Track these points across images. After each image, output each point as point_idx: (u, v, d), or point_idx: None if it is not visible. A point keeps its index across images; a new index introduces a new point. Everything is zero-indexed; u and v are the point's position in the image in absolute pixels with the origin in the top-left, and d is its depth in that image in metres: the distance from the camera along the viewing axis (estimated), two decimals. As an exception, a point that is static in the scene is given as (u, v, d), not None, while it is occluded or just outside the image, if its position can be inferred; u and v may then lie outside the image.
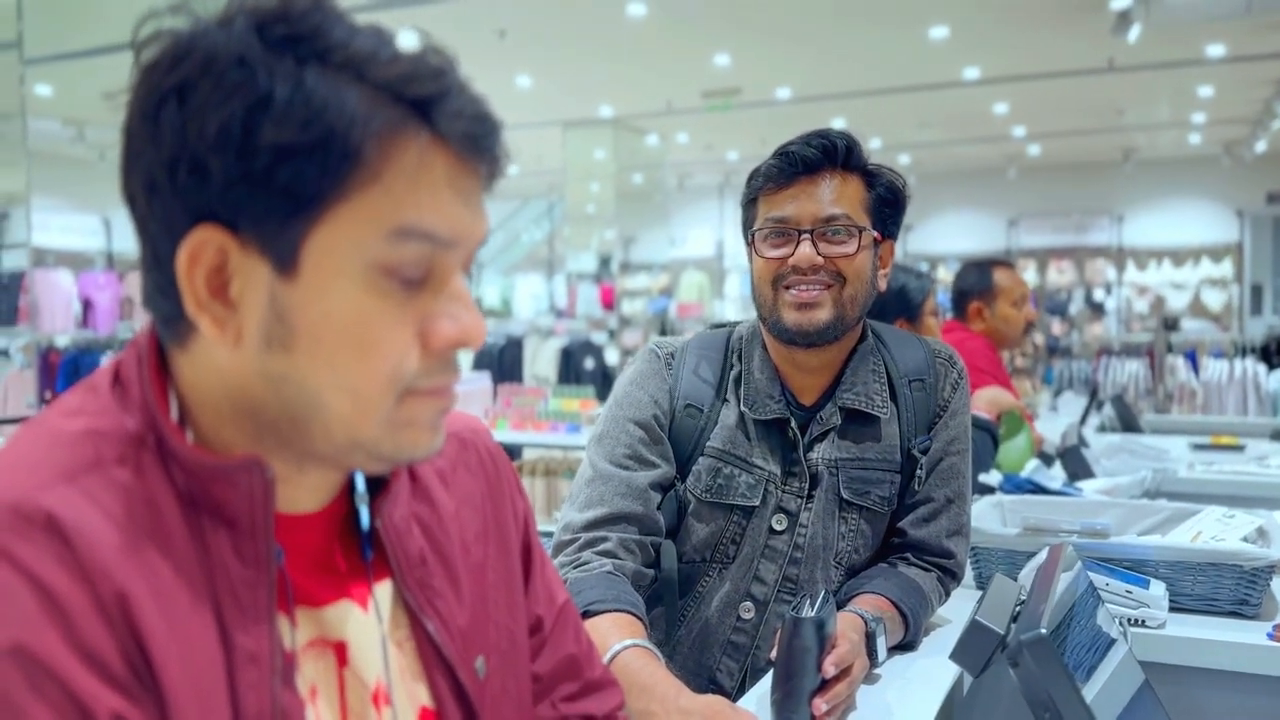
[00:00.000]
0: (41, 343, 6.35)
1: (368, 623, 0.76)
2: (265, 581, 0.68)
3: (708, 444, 1.53)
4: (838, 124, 10.64)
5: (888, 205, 1.52)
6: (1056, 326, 12.38)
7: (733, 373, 1.57)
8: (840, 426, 1.54)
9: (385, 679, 0.76)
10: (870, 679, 1.37)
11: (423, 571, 0.79)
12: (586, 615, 1.29)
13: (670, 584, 1.52)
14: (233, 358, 0.66)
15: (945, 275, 12.13)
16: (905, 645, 1.51)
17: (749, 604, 1.53)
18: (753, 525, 1.53)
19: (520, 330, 9.00)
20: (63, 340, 6.70)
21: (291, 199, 0.62)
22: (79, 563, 0.61)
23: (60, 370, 6.41)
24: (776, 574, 1.53)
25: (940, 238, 13.46)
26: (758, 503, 1.52)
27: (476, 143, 0.67)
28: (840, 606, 1.41)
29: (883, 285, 1.56)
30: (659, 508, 1.50)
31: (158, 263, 0.66)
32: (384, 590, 0.78)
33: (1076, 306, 12.77)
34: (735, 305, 12.64)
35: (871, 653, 1.36)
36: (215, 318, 0.65)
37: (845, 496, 1.53)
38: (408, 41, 0.66)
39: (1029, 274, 12.92)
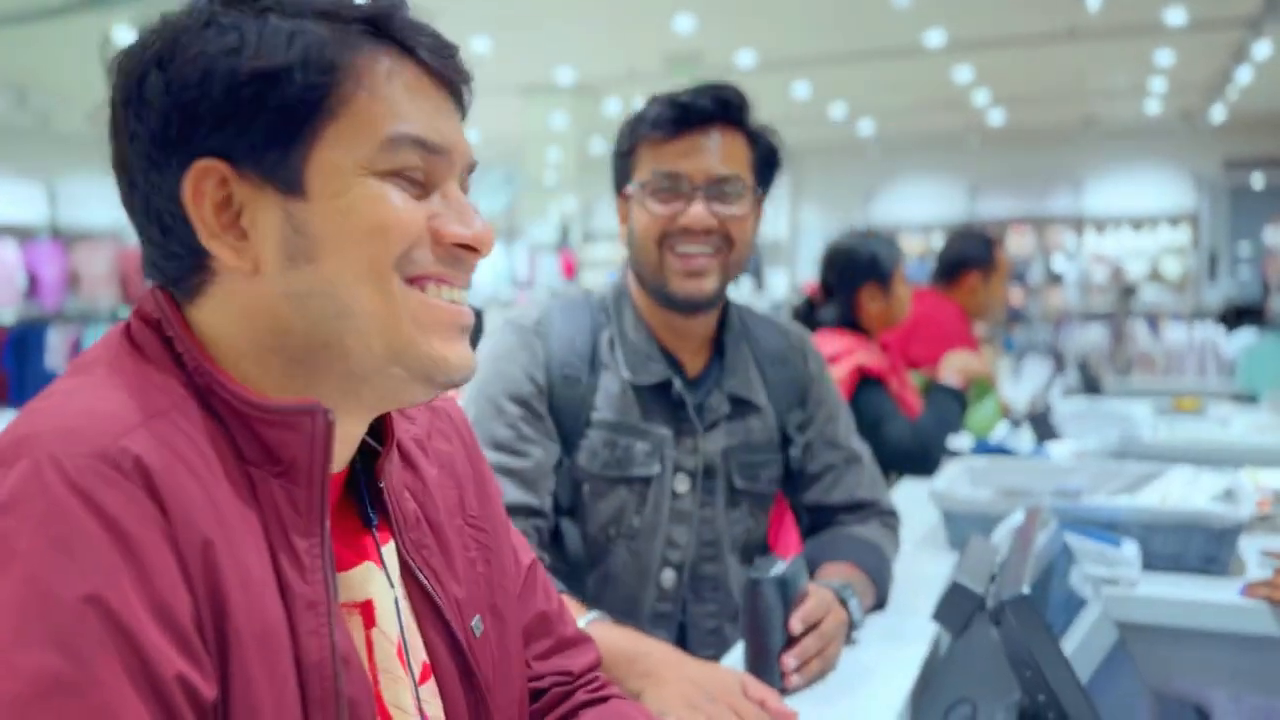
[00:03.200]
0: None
1: (384, 580, 0.78)
2: (319, 530, 0.69)
3: (594, 415, 1.46)
4: (801, 89, 10.63)
5: (769, 166, 1.50)
6: (1016, 294, 12.47)
7: (605, 335, 1.51)
8: (728, 414, 1.52)
9: (403, 636, 0.79)
10: (851, 641, 1.35)
11: (418, 532, 0.81)
12: None
13: (577, 565, 1.47)
14: (253, 287, 0.69)
15: (908, 243, 12.17)
16: (877, 604, 1.49)
17: (669, 571, 1.49)
18: (655, 492, 1.48)
19: (479, 303, 8.90)
20: (8, 315, 6.53)
21: (284, 119, 0.66)
22: (165, 511, 0.61)
23: (7, 346, 6.25)
24: (689, 534, 1.49)
25: (902, 206, 13.48)
26: (657, 470, 1.48)
27: (440, 54, 0.72)
28: None
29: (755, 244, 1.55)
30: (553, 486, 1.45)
31: (164, 232, 0.68)
32: (389, 551, 0.80)
33: (1036, 274, 12.87)
34: (698, 274, 12.60)
35: (849, 620, 1.33)
36: (230, 247, 0.68)
37: (738, 485, 1.52)
38: None
39: (989, 242, 12.94)
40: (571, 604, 1.26)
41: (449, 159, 0.72)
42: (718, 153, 1.42)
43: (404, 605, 0.80)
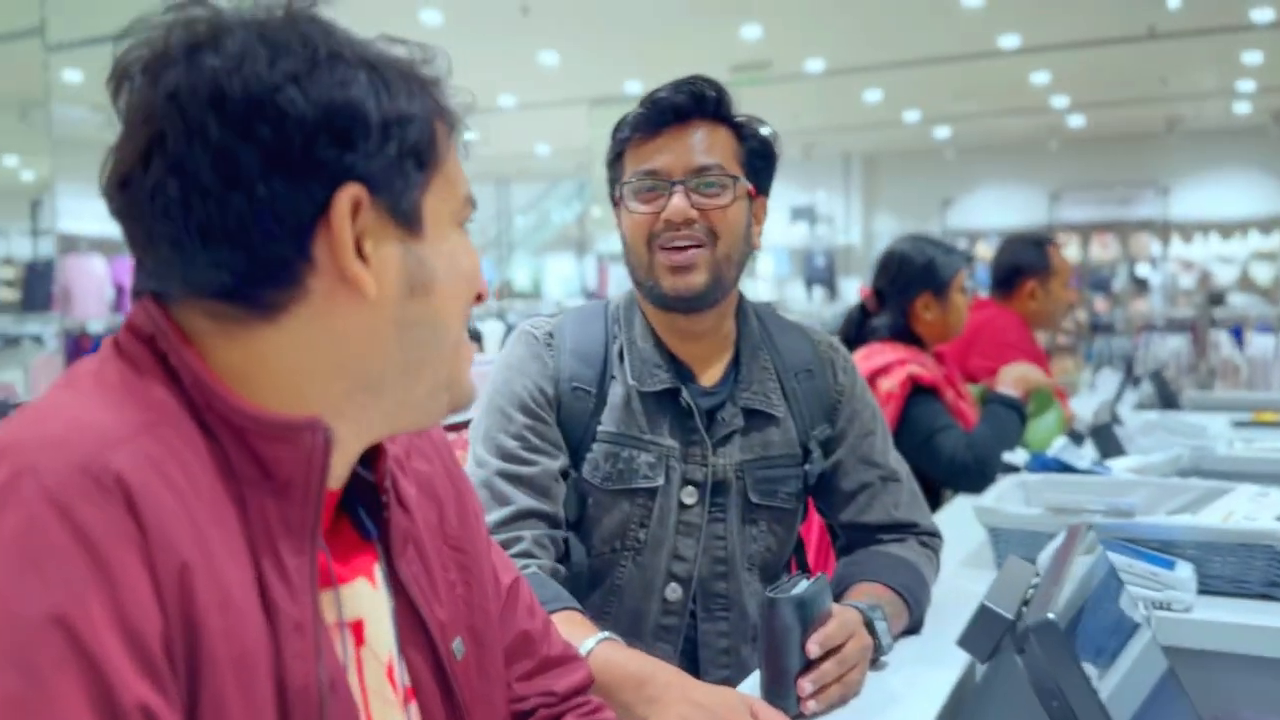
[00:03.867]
0: (72, 328, 6.39)
1: (377, 598, 0.78)
2: (309, 549, 0.69)
3: (599, 428, 1.44)
4: (872, 97, 10.53)
5: (760, 158, 1.46)
6: (1100, 303, 12.14)
7: (615, 345, 1.48)
8: (742, 426, 1.48)
9: (395, 654, 0.78)
10: (878, 665, 1.31)
11: (405, 548, 0.81)
12: None
13: (579, 580, 1.44)
14: (359, 310, 0.70)
15: (985, 251, 11.94)
16: (912, 627, 1.44)
17: (674, 585, 1.46)
18: (660, 505, 1.45)
19: (550, 312, 8.96)
20: (96, 326, 6.74)
21: (417, 161, 0.71)
22: (144, 530, 0.60)
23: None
24: (696, 548, 1.46)
25: (980, 212, 13.25)
26: (661, 481, 1.44)
27: (461, 132, 0.79)
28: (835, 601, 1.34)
29: (758, 243, 1.51)
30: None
31: (267, 240, 0.67)
32: (380, 568, 0.80)
33: (1120, 282, 12.51)
34: (768, 285, 12.53)
35: (875, 645, 1.29)
36: (362, 272, 0.70)
37: (754, 500, 1.48)
38: (404, 50, 0.75)
39: (1071, 249, 12.67)
40: (581, 623, 1.24)
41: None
42: (698, 146, 1.40)
43: (392, 624, 0.79)
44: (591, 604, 1.45)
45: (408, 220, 0.72)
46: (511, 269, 13.43)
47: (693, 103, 1.40)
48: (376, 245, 0.71)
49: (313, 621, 0.68)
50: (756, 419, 1.49)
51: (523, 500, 1.37)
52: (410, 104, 0.71)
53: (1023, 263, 3.26)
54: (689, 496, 1.45)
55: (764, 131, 1.46)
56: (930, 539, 1.55)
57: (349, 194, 0.68)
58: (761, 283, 12.55)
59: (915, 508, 1.56)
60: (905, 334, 2.58)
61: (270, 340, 0.70)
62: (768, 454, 1.49)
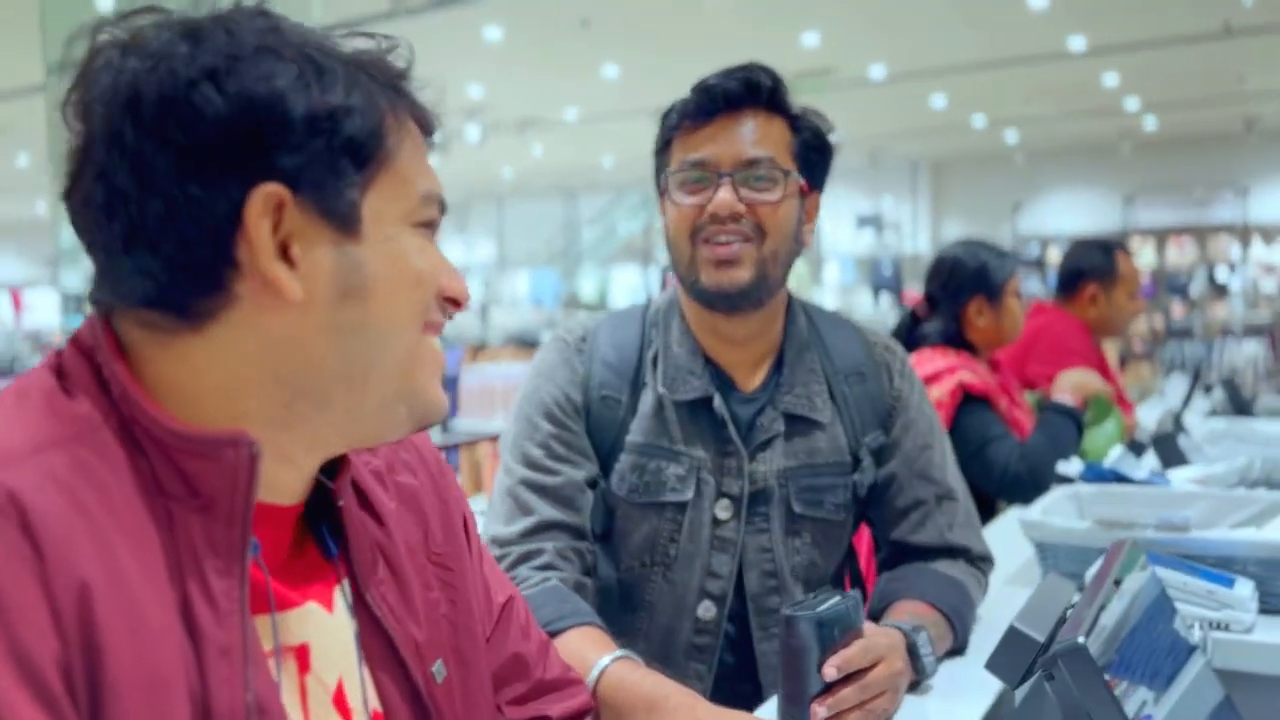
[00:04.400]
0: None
1: (331, 622, 0.75)
2: (238, 570, 0.66)
3: (627, 438, 1.38)
4: (938, 102, 10.37)
5: (814, 152, 1.39)
6: (1176, 308, 11.80)
7: (650, 351, 1.41)
8: (784, 432, 1.41)
9: (346, 680, 0.75)
10: (920, 689, 1.23)
11: (375, 568, 0.78)
12: (549, 635, 1.20)
13: (609, 594, 1.39)
14: (289, 317, 0.67)
15: (1057, 256, 11.68)
16: (954, 651, 1.37)
17: (708, 603, 1.39)
18: (691, 519, 1.38)
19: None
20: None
21: (352, 158, 0.67)
22: (39, 552, 0.58)
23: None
24: (731, 564, 1.39)
25: (1051, 217, 12.98)
26: (691, 495, 1.38)
27: (432, 125, 0.75)
28: (875, 618, 1.28)
29: (808, 241, 1.44)
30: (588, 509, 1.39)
31: (186, 248, 0.65)
32: (343, 589, 0.77)
33: (1198, 287, 12.14)
34: (833, 293, 12.39)
35: (918, 668, 1.21)
36: (286, 273, 0.66)
37: (797, 510, 1.40)
38: (361, 41, 0.72)
39: (1146, 253, 12.34)
40: (599, 639, 1.20)
41: (441, 217, 0.77)
42: (749, 136, 1.33)
43: (353, 647, 0.76)
44: (623, 621, 1.41)
45: (343, 220, 0.68)
46: (578, 280, 13.49)
47: (745, 90, 1.34)
48: (306, 247, 0.67)
49: (241, 646, 0.65)
50: (799, 424, 1.42)
51: (546, 511, 1.33)
52: (348, 97, 0.67)
53: (1085, 266, 3.16)
54: (723, 511, 1.40)
55: (820, 125, 1.40)
56: (981, 563, 1.48)
57: (265, 193, 0.65)
58: (827, 291, 12.42)
59: (969, 530, 1.47)
60: (957, 339, 2.51)
61: (201, 349, 0.67)
62: (813, 461, 1.42)
